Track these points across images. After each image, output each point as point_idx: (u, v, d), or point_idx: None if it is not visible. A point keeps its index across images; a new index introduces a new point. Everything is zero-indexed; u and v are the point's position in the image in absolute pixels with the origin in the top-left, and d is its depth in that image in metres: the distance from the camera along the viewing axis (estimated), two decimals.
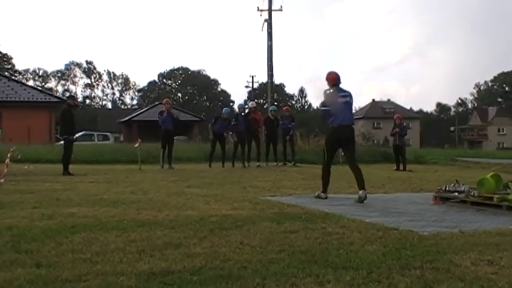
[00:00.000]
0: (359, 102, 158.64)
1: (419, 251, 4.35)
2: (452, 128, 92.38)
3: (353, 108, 8.93)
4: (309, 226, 5.55)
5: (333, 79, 8.25)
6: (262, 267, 3.82)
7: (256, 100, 28.64)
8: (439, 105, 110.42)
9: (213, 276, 3.55)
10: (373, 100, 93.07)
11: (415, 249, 4.45)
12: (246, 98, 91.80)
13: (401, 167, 17.52)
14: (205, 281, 3.43)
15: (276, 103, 19.98)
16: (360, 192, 7.81)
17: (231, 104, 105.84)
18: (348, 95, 8.25)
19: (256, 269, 3.76)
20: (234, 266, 3.82)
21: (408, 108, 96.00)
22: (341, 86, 8.27)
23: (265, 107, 17.21)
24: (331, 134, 8.28)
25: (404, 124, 18.99)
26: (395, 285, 3.41)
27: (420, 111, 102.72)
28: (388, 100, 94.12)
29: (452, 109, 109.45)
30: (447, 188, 8.10)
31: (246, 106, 20.40)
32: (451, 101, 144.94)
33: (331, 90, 8.23)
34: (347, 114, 8.21)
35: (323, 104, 8.41)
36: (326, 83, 8.24)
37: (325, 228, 5.46)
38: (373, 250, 4.39)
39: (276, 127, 18.24)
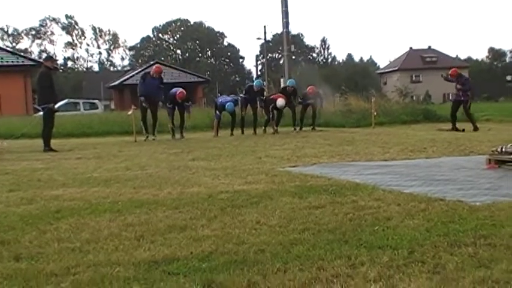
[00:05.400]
0: (393, 52, 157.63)
1: (470, 225, 4.32)
2: (509, 77, 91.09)
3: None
4: (337, 200, 5.55)
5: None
6: (282, 249, 3.83)
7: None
8: (491, 50, 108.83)
9: (225, 262, 3.57)
10: (411, 48, 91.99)
11: (465, 222, 4.42)
12: (257, 53, 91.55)
13: (458, 126, 17.32)
14: (216, 268, 3.45)
15: (291, 79, 20.47)
16: None
17: (241, 60, 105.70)
18: (157, 79, 16.42)
19: (276, 252, 3.77)
20: (250, 250, 3.83)
21: (454, 56, 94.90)
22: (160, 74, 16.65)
23: (280, 62, 17.28)
24: (145, 102, 16.21)
25: (465, 76, 18.49)
26: (442, 265, 3.39)
27: (469, 59, 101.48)
28: (429, 47, 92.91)
29: (509, 55, 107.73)
30: (504, 149, 8.02)
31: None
32: (506, 45, 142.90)
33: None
34: (153, 91, 16.19)
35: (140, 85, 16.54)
36: None
37: (356, 201, 5.46)
38: (414, 225, 4.38)
39: (293, 97, 18.76)
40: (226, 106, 17.32)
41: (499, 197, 5.58)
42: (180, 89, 16.51)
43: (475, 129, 17.07)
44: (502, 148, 8.07)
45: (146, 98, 16.18)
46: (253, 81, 19.20)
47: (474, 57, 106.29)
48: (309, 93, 19.34)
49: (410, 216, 4.70)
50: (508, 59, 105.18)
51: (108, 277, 3.34)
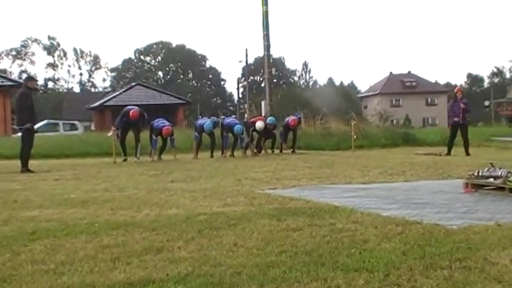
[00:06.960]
0: (374, 77, 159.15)
1: (446, 248, 4.34)
2: (487, 103, 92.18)
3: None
4: (315, 222, 5.55)
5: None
6: (259, 271, 3.81)
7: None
8: (470, 76, 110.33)
9: (201, 284, 3.55)
10: (391, 73, 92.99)
11: (441, 246, 4.44)
12: (239, 76, 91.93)
13: (452, 151, 17.26)
14: None
15: (272, 117, 20.29)
16: None
17: (222, 82, 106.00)
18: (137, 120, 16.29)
19: (253, 274, 3.76)
20: (226, 272, 3.81)
21: (433, 81, 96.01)
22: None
23: (262, 85, 17.56)
24: (126, 123, 16.33)
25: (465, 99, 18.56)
26: None
27: (447, 85, 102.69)
28: (409, 72, 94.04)
29: (487, 80, 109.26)
30: (480, 173, 8.08)
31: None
32: (484, 71, 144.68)
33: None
34: (132, 126, 16.33)
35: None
36: None
37: (334, 224, 5.46)
38: (391, 248, 4.39)
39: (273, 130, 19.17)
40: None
41: (475, 220, 5.61)
42: (167, 125, 16.62)
43: (467, 154, 16.94)
44: (478, 172, 8.13)
45: (124, 130, 16.52)
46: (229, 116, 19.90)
47: (453, 83, 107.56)
48: (291, 126, 19.26)
49: (387, 239, 4.71)
50: (485, 85, 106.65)
51: None
